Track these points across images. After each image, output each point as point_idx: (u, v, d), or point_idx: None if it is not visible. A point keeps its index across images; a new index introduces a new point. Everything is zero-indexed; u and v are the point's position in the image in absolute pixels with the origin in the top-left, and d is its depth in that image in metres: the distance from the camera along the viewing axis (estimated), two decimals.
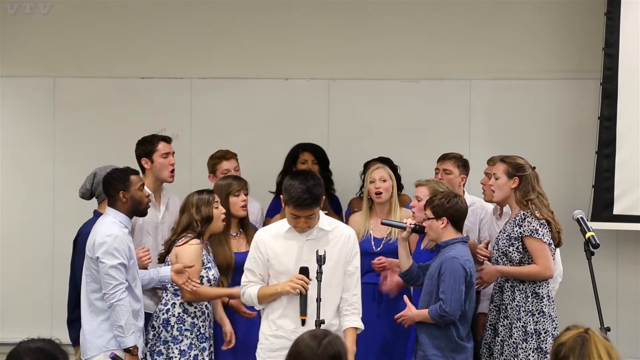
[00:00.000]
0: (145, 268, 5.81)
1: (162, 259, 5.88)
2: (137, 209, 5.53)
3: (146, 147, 6.29)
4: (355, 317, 5.15)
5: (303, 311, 4.95)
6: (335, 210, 7.01)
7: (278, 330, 5.10)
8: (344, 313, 5.14)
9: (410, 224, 5.77)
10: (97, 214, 5.89)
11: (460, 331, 5.52)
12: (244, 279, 5.21)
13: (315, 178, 5.04)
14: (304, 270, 4.97)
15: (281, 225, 5.16)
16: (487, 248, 6.05)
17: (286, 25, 7.78)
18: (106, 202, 5.81)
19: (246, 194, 6.16)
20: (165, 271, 5.65)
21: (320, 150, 7.19)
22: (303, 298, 4.95)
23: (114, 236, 5.37)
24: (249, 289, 5.16)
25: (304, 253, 5.05)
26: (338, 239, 5.13)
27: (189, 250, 5.69)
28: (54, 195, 7.78)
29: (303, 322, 4.91)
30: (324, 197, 5.09)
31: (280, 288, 5.05)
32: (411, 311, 5.60)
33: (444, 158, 6.59)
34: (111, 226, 5.41)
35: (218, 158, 6.69)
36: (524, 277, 5.73)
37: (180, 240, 5.74)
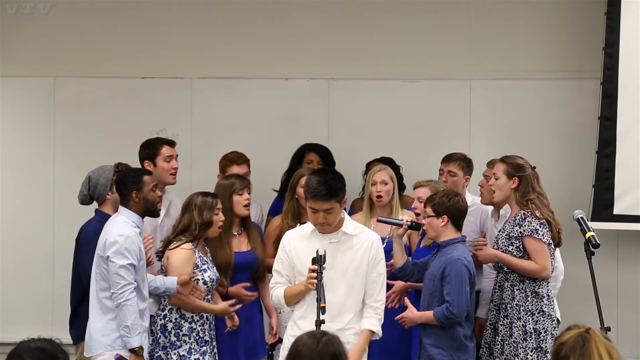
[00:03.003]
0: (149, 261, 5.81)
1: (159, 258, 5.88)
2: (149, 209, 5.54)
3: (150, 150, 6.30)
4: (374, 320, 5.16)
5: (322, 299, 4.86)
6: None
7: (298, 331, 5.10)
8: (365, 315, 5.17)
9: (407, 221, 5.77)
10: (99, 213, 5.90)
11: (465, 330, 5.53)
12: (272, 280, 5.23)
13: (335, 174, 5.10)
14: (317, 260, 4.95)
15: (307, 227, 5.20)
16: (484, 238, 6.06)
17: (286, 25, 7.78)
18: (108, 202, 5.83)
19: (249, 193, 6.16)
20: (170, 282, 5.64)
21: (327, 150, 7.18)
22: (320, 286, 4.90)
23: (126, 236, 5.37)
24: (276, 290, 5.17)
25: (326, 256, 5.02)
26: (361, 244, 5.14)
27: (180, 254, 5.70)
28: (54, 195, 7.78)
29: (324, 310, 4.82)
30: (345, 196, 5.11)
31: (302, 287, 5.06)
32: (413, 313, 5.60)
33: (448, 159, 6.56)
34: (123, 226, 5.42)
35: (230, 161, 6.69)
36: (520, 270, 5.72)
37: (173, 244, 5.74)
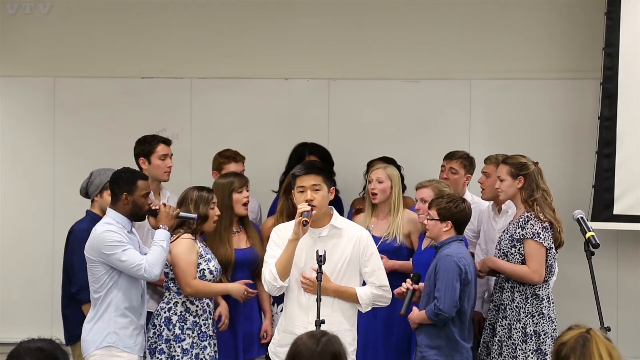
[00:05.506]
0: None
1: None
2: (135, 214, 5.53)
3: (145, 147, 6.33)
4: (367, 289, 5.16)
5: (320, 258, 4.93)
6: (338, 210, 7.01)
7: (288, 326, 5.12)
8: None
9: (409, 287, 5.64)
10: (89, 214, 5.96)
11: (460, 330, 5.52)
12: (264, 268, 5.18)
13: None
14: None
15: None
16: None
17: (286, 25, 7.78)
18: (95, 204, 5.89)
19: (248, 190, 6.18)
20: (155, 235, 5.64)
21: (326, 152, 7.16)
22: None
23: (110, 231, 5.39)
24: (267, 269, 5.12)
25: (315, 250, 5.05)
26: (351, 237, 5.16)
27: (182, 244, 5.71)
28: (54, 195, 7.79)
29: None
30: (333, 187, 5.16)
31: (291, 237, 5.04)
32: (414, 314, 5.61)
33: (451, 157, 6.61)
34: (107, 225, 5.44)
35: (227, 158, 6.70)
36: (513, 274, 5.72)
37: (172, 237, 5.73)
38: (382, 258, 6.07)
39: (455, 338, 5.50)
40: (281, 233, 5.19)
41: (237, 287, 5.87)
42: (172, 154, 6.39)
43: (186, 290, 5.69)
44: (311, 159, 6.99)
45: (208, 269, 5.75)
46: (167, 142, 6.38)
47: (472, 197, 6.52)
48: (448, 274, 5.43)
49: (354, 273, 5.16)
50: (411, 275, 5.76)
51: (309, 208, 4.99)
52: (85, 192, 6.06)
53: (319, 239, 5.11)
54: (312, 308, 4.98)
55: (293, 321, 5.12)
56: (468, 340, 5.58)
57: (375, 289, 5.18)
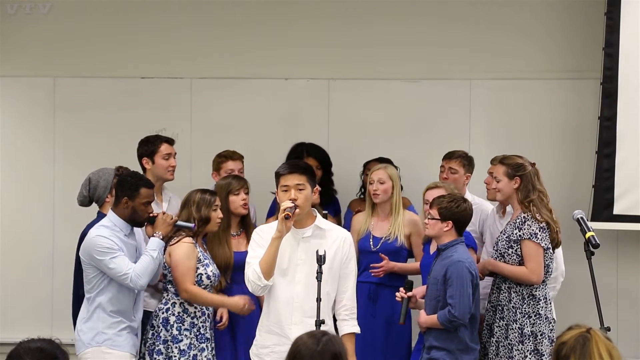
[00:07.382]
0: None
1: None
2: (134, 220, 5.55)
3: (148, 147, 6.34)
4: (353, 322, 5.17)
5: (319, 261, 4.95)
6: (335, 210, 7.02)
7: (271, 326, 5.11)
8: (342, 317, 5.16)
9: (403, 295, 5.66)
10: (100, 215, 5.92)
11: (470, 333, 5.50)
12: (247, 268, 5.13)
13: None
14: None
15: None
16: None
17: (286, 25, 7.78)
18: (107, 205, 5.85)
19: (246, 193, 6.18)
20: (148, 244, 5.62)
21: (324, 154, 7.16)
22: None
23: (102, 236, 5.42)
24: (250, 268, 5.07)
25: (299, 250, 5.07)
26: (334, 239, 5.14)
27: (182, 248, 5.71)
28: (54, 196, 7.78)
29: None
30: (316, 187, 5.15)
31: (274, 235, 5.02)
32: (421, 317, 5.59)
33: (450, 157, 6.61)
34: (101, 229, 5.47)
35: (224, 157, 6.71)
36: (510, 276, 5.71)
37: (173, 240, 5.75)
38: (383, 259, 6.12)
39: (465, 341, 5.49)
40: (263, 233, 5.16)
41: (235, 302, 5.77)
42: (175, 153, 6.41)
43: (183, 295, 5.70)
44: (308, 160, 7.00)
45: (205, 274, 5.75)
46: (170, 141, 6.41)
47: (473, 197, 6.51)
48: (461, 281, 5.41)
49: (335, 274, 5.12)
50: (404, 284, 5.75)
51: (292, 205, 5.00)
52: (89, 200, 6.02)
53: (302, 239, 5.10)
54: (296, 309, 5.01)
55: (279, 321, 5.09)
56: (476, 342, 5.57)
57: (345, 316, 5.16)
